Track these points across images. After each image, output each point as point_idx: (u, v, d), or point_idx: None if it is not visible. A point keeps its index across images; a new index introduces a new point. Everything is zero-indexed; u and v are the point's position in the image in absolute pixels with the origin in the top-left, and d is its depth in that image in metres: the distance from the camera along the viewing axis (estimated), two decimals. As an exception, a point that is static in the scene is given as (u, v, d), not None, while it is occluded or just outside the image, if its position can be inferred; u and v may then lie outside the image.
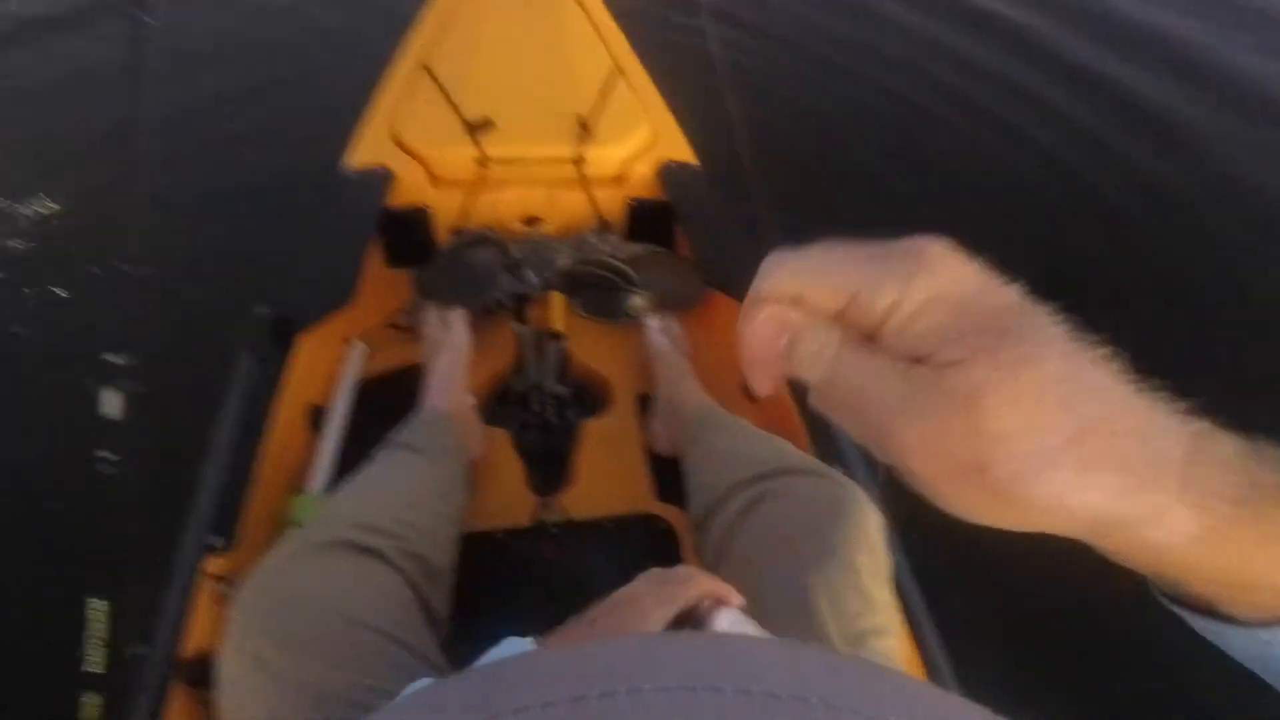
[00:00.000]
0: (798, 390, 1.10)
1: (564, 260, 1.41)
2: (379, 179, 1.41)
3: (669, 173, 1.52)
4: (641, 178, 1.54)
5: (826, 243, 0.25)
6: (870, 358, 0.24)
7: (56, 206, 2.15)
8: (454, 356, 1.23)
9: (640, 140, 1.56)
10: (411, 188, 1.45)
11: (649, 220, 1.54)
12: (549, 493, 1.16)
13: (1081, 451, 0.21)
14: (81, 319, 1.82)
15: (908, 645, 0.89)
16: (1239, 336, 2.06)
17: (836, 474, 0.88)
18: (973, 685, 0.85)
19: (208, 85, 2.58)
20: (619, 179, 1.54)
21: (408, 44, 1.72)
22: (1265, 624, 0.24)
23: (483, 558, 1.05)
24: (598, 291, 1.40)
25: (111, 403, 0.95)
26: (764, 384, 0.27)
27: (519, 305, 1.41)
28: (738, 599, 0.50)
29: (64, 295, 1.94)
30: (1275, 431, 0.23)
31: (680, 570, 0.53)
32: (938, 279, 0.23)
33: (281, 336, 1.18)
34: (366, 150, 1.48)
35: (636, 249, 1.48)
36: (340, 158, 1.48)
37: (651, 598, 0.49)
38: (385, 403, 1.26)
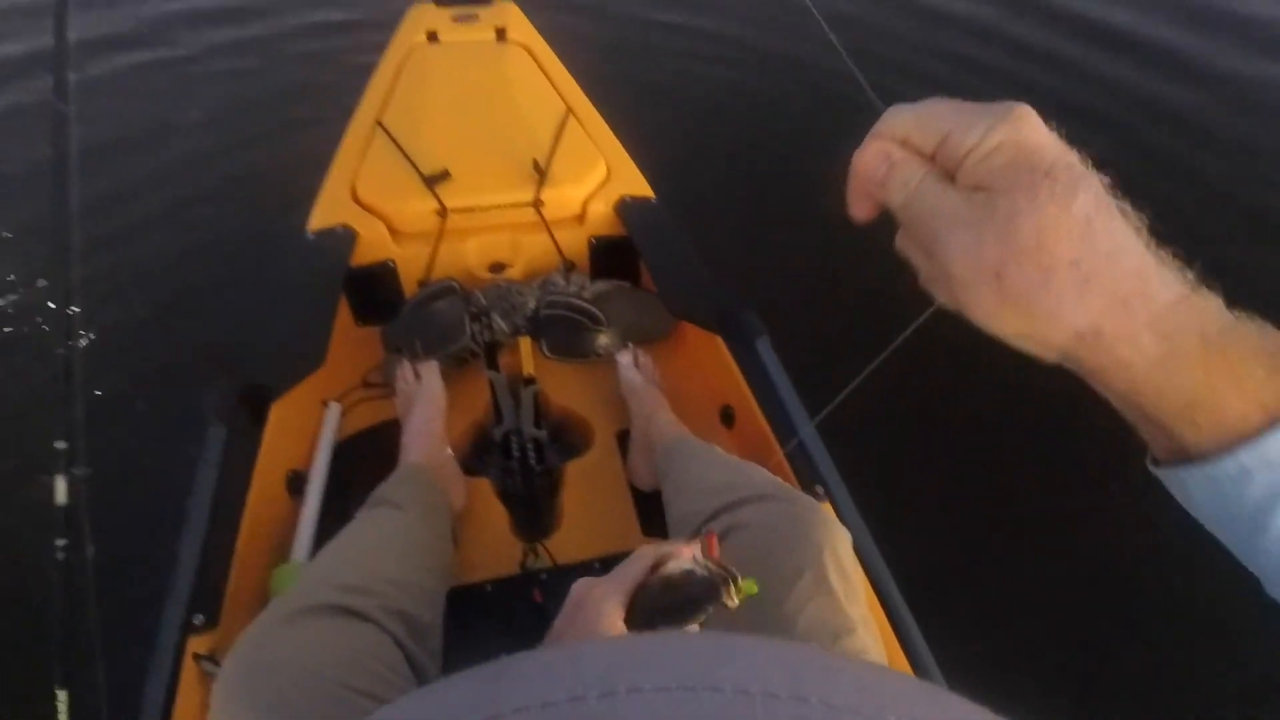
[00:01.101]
0: (774, 420, 1.11)
1: (531, 304, 1.43)
2: (342, 239, 1.42)
3: (627, 208, 1.55)
4: (601, 215, 1.56)
5: (936, 97, 0.31)
6: (944, 187, 0.30)
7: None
8: (429, 409, 1.23)
9: (596, 178, 1.59)
10: (375, 244, 1.46)
11: (612, 256, 1.57)
12: (536, 538, 1.16)
13: (1081, 273, 0.27)
14: (30, 405, 1.79)
15: (899, 658, 0.90)
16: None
17: (803, 497, 0.90)
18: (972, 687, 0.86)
19: (150, 161, 2.56)
20: (579, 218, 1.57)
21: (362, 103, 1.75)
22: (1212, 456, 0.28)
23: (472, 611, 1.05)
24: (566, 332, 1.41)
25: (61, 489, 0.93)
26: (862, 208, 0.33)
27: (490, 352, 1.41)
28: (689, 550, 0.51)
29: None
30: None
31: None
32: (1014, 130, 0.28)
33: (253, 405, 1.17)
34: (328, 211, 1.49)
35: (602, 286, 1.50)
36: (300, 219, 1.49)
37: (600, 587, 0.49)
38: (364, 462, 1.26)
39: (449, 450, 1.21)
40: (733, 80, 3.13)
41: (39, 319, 2.02)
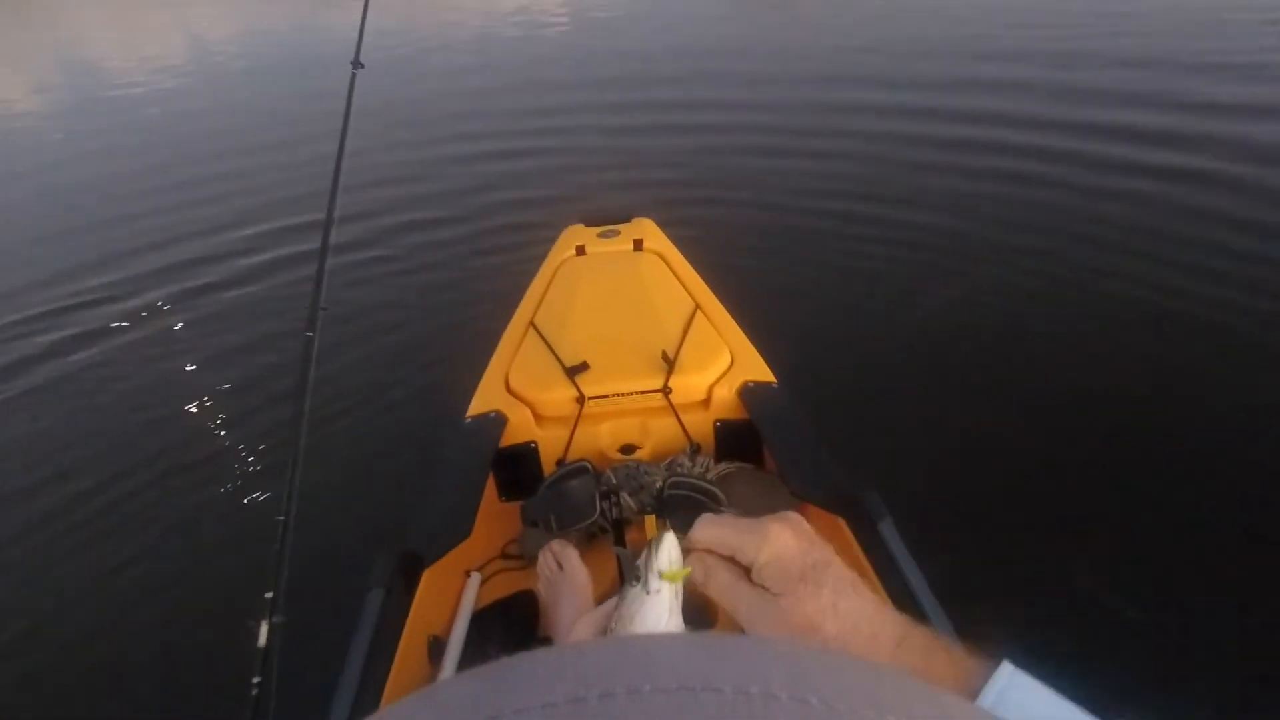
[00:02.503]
0: (900, 602, 1.09)
1: (657, 483, 1.51)
2: (494, 424, 1.61)
3: (750, 393, 1.65)
4: (725, 400, 1.67)
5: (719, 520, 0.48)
6: (744, 585, 0.46)
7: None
8: (579, 602, 1.28)
9: (721, 366, 1.71)
10: (521, 428, 1.65)
11: (735, 439, 1.65)
12: None
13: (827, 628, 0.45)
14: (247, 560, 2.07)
15: None
16: None
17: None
18: None
19: (347, 354, 3.01)
20: (705, 403, 1.68)
21: (520, 306, 2.04)
22: None
23: None
24: (690, 511, 1.47)
25: (264, 633, 1.07)
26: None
27: (618, 529, 1.49)
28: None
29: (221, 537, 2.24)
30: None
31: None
32: (775, 547, 0.45)
33: (408, 571, 1.30)
34: (484, 399, 1.70)
35: (726, 467, 1.56)
36: (462, 404, 1.72)
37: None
38: (497, 631, 1.33)
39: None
40: (851, 270, 3.31)
41: (258, 482, 2.42)
